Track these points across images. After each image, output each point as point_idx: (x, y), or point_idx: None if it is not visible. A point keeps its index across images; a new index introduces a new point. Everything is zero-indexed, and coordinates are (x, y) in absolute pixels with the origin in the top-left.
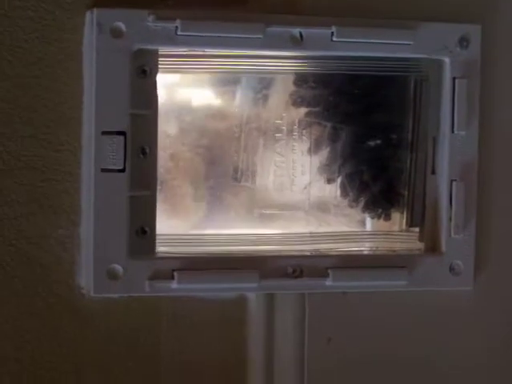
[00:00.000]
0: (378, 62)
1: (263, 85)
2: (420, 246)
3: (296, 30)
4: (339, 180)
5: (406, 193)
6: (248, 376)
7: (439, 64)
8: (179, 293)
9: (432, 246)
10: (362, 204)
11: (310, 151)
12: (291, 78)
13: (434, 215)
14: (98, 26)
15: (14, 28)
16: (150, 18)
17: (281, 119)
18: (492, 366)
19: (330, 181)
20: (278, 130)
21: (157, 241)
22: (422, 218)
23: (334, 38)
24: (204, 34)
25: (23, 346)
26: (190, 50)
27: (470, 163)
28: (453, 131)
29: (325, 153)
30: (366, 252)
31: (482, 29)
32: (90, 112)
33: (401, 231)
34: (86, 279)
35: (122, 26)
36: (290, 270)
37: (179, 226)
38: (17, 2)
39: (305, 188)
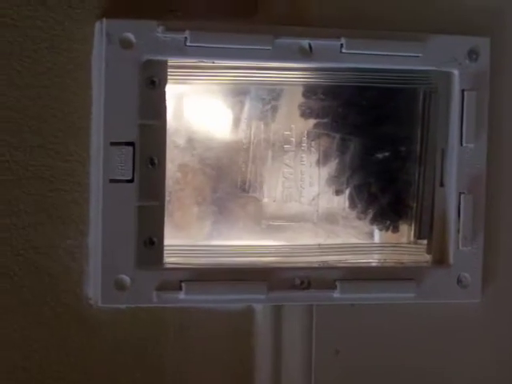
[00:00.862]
0: (387, 73)
1: (272, 96)
2: (428, 258)
3: (305, 42)
4: (347, 192)
5: (415, 205)
6: None
7: (448, 76)
8: (187, 304)
9: (440, 259)
10: (370, 216)
11: (318, 163)
12: (300, 89)
13: (442, 227)
14: (108, 37)
15: (23, 38)
16: (160, 28)
17: (289, 130)
18: (500, 378)
19: (338, 192)
20: (287, 141)
21: (165, 251)
22: (430, 230)
23: (344, 50)
24: (213, 45)
25: (31, 356)
26: (199, 61)
27: (479, 176)
28: (461, 144)
29: (333, 164)
30: (373, 264)
31: (491, 41)
32: (99, 122)
33: (409, 243)
34: (93, 289)
35: (131, 36)
36: (298, 282)
37: (187, 236)
38: (26, 12)
39: (313, 199)
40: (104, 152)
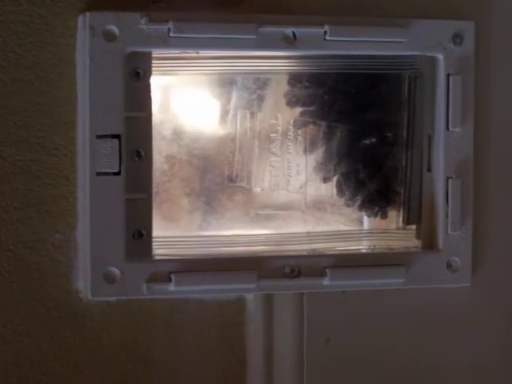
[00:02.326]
0: (372, 60)
1: (257, 85)
2: (417, 243)
3: (289, 30)
4: (335, 179)
5: (402, 191)
6: (247, 377)
7: (433, 61)
8: (177, 295)
9: (429, 244)
10: (358, 202)
11: (305, 150)
12: (285, 77)
13: (430, 212)
14: (91, 30)
15: (6, 33)
16: (143, 20)
17: (276, 119)
18: (490, 361)
19: (326, 180)
20: (273, 130)
21: (153, 243)
22: (418, 215)
23: (327, 37)
24: (197, 36)
25: (22, 351)
26: (183, 52)
27: (466, 160)
28: (448, 128)
29: (320, 152)
30: (363, 251)
31: (476, 25)
32: (85, 115)
33: (398, 229)
34: (83, 283)
35: (114, 29)
36: (288, 270)
37: (176, 228)
38: (9, 6)
39: (301, 187)
40: (90, 145)
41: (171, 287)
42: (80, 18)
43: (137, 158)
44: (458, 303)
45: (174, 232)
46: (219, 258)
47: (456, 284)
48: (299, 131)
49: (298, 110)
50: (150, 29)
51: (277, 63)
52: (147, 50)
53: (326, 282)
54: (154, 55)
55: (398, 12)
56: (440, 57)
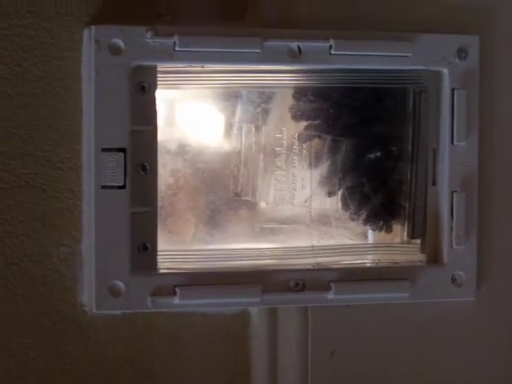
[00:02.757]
0: (377, 74)
1: (262, 99)
2: (422, 257)
3: (294, 44)
4: (340, 193)
5: (407, 204)
6: None
7: (438, 75)
8: (181, 308)
9: (434, 258)
10: (363, 216)
11: (310, 164)
12: (290, 91)
13: (435, 226)
14: (96, 43)
15: (12, 46)
16: (148, 34)
17: (281, 133)
18: (494, 375)
19: (330, 194)
20: (278, 143)
21: (158, 257)
22: (423, 229)
23: (333, 51)
24: (202, 50)
25: (27, 364)
26: (188, 66)
27: (471, 174)
28: (453, 142)
29: (325, 166)
30: (368, 265)
31: (480, 39)
32: (90, 129)
33: (402, 243)
34: (88, 296)
35: (120, 42)
36: (293, 284)
37: (181, 241)
38: (15, 20)
39: (305, 201)
40: (95, 158)
41: (176, 301)
42: (85, 32)
43: (142, 172)
44: (463, 317)
45: (179, 245)
46: (224, 272)
47: (460, 298)
48: (304, 145)
49: (303, 123)
50: (155, 42)
51: (282, 77)
52: (152, 63)
53: (330, 296)
54: (159, 69)
55: (403, 26)
56: (445, 71)
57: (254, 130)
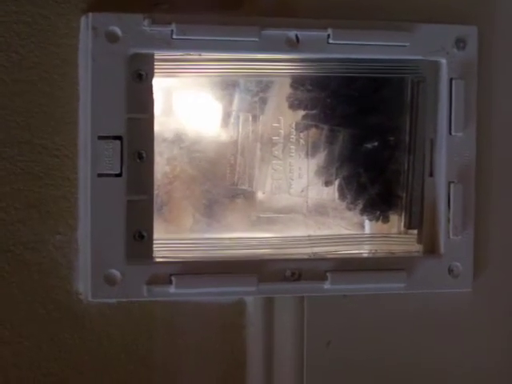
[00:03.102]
0: (375, 63)
1: (260, 88)
2: (419, 247)
3: (292, 33)
4: (337, 183)
5: (404, 195)
6: (247, 379)
7: (436, 65)
8: (177, 297)
9: (431, 248)
10: (360, 206)
11: (307, 154)
12: (288, 80)
13: (432, 217)
14: (94, 31)
15: (9, 33)
16: (146, 22)
17: (278, 122)
18: (492, 366)
19: (327, 183)
20: (275, 133)
21: (154, 245)
22: (420, 220)
23: (331, 41)
24: (199, 38)
25: (22, 352)
26: (185, 54)
27: (468, 165)
28: (450, 133)
29: (322, 155)
30: (364, 255)
31: (479, 29)
32: (87, 116)
33: (399, 233)
34: (83, 284)
35: (117, 30)
36: (289, 274)
37: (177, 230)
38: (12, 7)
39: (302, 191)
40: (92, 146)
41: (172, 289)
42: (83, 19)
43: (138, 160)
44: (459, 308)
45: (175, 234)
46: (220, 261)
47: (457, 289)
48: (301, 134)
49: (301, 113)
50: (152, 30)
51: (279, 66)
52: (150, 51)
53: (326, 285)
54: (156, 57)
55: (401, 16)
56: (443, 61)
57: (251, 118)
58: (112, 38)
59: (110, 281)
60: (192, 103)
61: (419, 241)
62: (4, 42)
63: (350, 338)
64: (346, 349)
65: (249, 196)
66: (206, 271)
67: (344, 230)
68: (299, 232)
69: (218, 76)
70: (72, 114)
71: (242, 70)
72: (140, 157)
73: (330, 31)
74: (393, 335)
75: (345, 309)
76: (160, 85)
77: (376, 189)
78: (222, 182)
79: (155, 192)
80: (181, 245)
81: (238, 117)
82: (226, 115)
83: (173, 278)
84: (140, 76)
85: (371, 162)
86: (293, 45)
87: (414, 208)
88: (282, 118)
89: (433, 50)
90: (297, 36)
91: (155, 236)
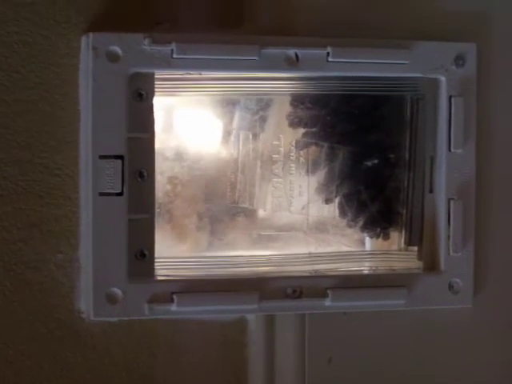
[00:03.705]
0: (374, 81)
1: (260, 106)
2: (419, 264)
3: (291, 51)
4: (337, 200)
5: (404, 212)
6: None
7: (435, 83)
8: (179, 315)
9: (431, 265)
10: (360, 224)
11: (307, 172)
12: (288, 98)
13: (432, 234)
14: (94, 50)
15: (10, 53)
16: (146, 41)
17: (278, 140)
18: (492, 381)
19: (328, 201)
20: (276, 151)
21: (156, 264)
22: (420, 236)
23: (330, 59)
24: (199, 57)
25: (24, 371)
26: (185, 73)
27: (468, 181)
28: (450, 149)
29: (322, 173)
30: (365, 272)
31: (478, 47)
32: (87, 136)
33: (400, 250)
34: (85, 303)
35: (117, 49)
36: (290, 291)
37: (178, 248)
38: (13, 27)
39: (303, 208)
40: (93, 166)
41: (173, 308)
42: (83, 39)
43: (139, 179)
44: (460, 324)
45: (177, 253)
46: (221, 279)
47: (457, 305)
48: (301, 152)
49: (301, 131)
50: (152, 50)
51: (279, 84)
52: (150, 70)
53: (327, 303)
54: (156, 76)
55: (400, 34)
56: (442, 79)
57: (251, 137)
58: (113, 57)
59: (112, 299)
60: (192, 122)
61: (419, 257)
62: (5, 62)
63: (351, 355)
64: (347, 365)
65: (249, 214)
66: (208, 289)
67: (344, 247)
68: (300, 249)
69: (219, 95)
70: (73, 134)
71: (242, 89)
72: (141, 176)
73: (329, 49)
74: (393, 351)
75: (346, 326)
76: (161, 104)
77: (376, 206)
78: (223, 200)
79: (156, 210)
80: (182, 263)
81: (239, 135)
82: (227, 133)
83: (174, 297)
84: (140, 95)
85: (371, 180)
86: (292, 63)
87: (414, 225)
88: (282, 136)
89: (432, 67)
90: (296, 54)
91: (156, 254)
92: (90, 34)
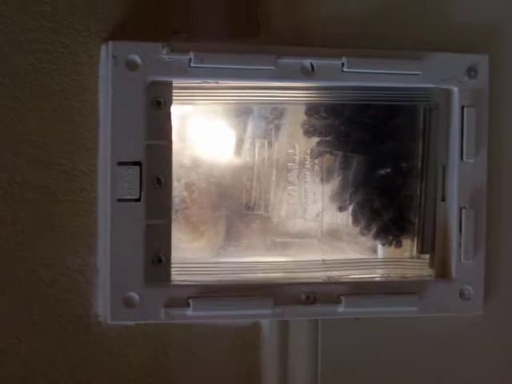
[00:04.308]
0: (388, 91)
1: (275, 115)
2: (431, 272)
3: (307, 61)
4: (351, 208)
5: (417, 220)
6: None
7: (448, 93)
8: (194, 320)
9: (442, 272)
10: (373, 231)
11: (321, 180)
12: (303, 108)
13: (444, 242)
14: (114, 59)
15: (31, 61)
16: (164, 50)
17: (293, 149)
18: None
19: (341, 209)
20: (290, 159)
21: (172, 269)
22: (432, 244)
23: (345, 69)
24: (217, 66)
25: (40, 372)
26: (203, 82)
27: (479, 190)
28: (462, 159)
29: (336, 181)
30: (377, 279)
31: (490, 58)
32: (107, 143)
33: (412, 258)
34: (102, 307)
35: (136, 58)
36: (304, 297)
37: (194, 254)
38: (34, 35)
39: (317, 216)
40: (112, 172)
41: (189, 312)
42: (103, 48)
43: (157, 185)
44: (471, 331)
45: (193, 258)
46: (236, 285)
47: (469, 312)
48: (316, 161)
49: (315, 139)
50: (171, 59)
51: (294, 94)
52: (168, 79)
53: (340, 309)
54: (174, 84)
55: (414, 45)
56: (455, 89)
57: (266, 145)
58: (132, 65)
59: (129, 304)
60: (209, 130)
61: (431, 265)
62: (26, 70)
63: (364, 360)
64: (359, 371)
65: (264, 221)
66: (223, 294)
67: (358, 255)
68: (314, 256)
69: (235, 103)
70: (92, 140)
71: (257, 98)
72: (158, 182)
73: (344, 60)
74: (405, 358)
75: (358, 332)
76: (178, 112)
77: (389, 214)
78: (239, 207)
79: (173, 216)
80: (198, 268)
81: (254, 143)
82: (242, 142)
83: (190, 301)
84: (159, 103)
85: (384, 188)
86: (308, 73)
87: (426, 233)
88: (297, 145)
89: (445, 78)
90: (312, 64)
91: (173, 259)
92: (110, 43)
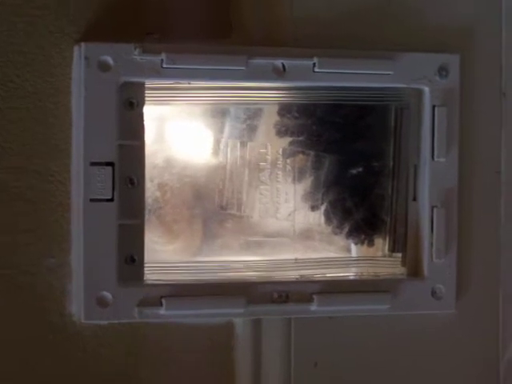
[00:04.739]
0: (360, 91)
1: (248, 115)
2: (403, 270)
3: (278, 62)
4: (323, 207)
5: (388, 219)
6: None
7: (419, 93)
8: (167, 319)
9: (414, 271)
10: (345, 230)
11: (294, 179)
12: (275, 108)
13: (415, 241)
14: (86, 60)
15: (5, 63)
16: (137, 51)
17: (265, 148)
18: None
19: (314, 208)
20: (263, 159)
21: (145, 269)
22: (404, 243)
23: (316, 69)
24: (189, 67)
25: (15, 373)
26: (175, 83)
27: (451, 189)
28: (433, 158)
29: (308, 181)
30: (350, 277)
31: (461, 58)
32: (79, 143)
33: (384, 256)
34: (76, 306)
35: (109, 59)
36: (276, 296)
37: (167, 254)
38: (8, 37)
39: (289, 215)
40: (84, 172)
41: (162, 311)
42: (75, 49)
43: (130, 185)
44: (443, 329)
45: (166, 258)
46: (209, 283)
47: (440, 311)
48: (288, 160)
49: (288, 139)
50: (143, 59)
51: (267, 94)
52: (141, 80)
53: (313, 307)
54: (147, 85)
55: (385, 45)
56: (426, 89)
57: (239, 145)
58: (104, 67)
59: (102, 303)
60: (182, 130)
61: (403, 264)
62: (0, 72)
63: (337, 359)
64: (332, 369)
65: (238, 220)
66: (196, 293)
67: (330, 254)
68: (286, 255)
69: (208, 104)
70: (65, 141)
71: (230, 98)
72: (131, 182)
73: (315, 60)
74: (378, 356)
75: (331, 330)
76: (151, 112)
77: (361, 213)
78: (212, 207)
79: (146, 216)
80: (171, 268)
81: (227, 143)
82: (216, 142)
83: (163, 301)
84: (131, 104)
85: (356, 187)
86: (279, 73)
87: (398, 232)
88: (270, 145)
89: (416, 78)
90: (283, 65)
91: (146, 259)
92: (82, 44)
